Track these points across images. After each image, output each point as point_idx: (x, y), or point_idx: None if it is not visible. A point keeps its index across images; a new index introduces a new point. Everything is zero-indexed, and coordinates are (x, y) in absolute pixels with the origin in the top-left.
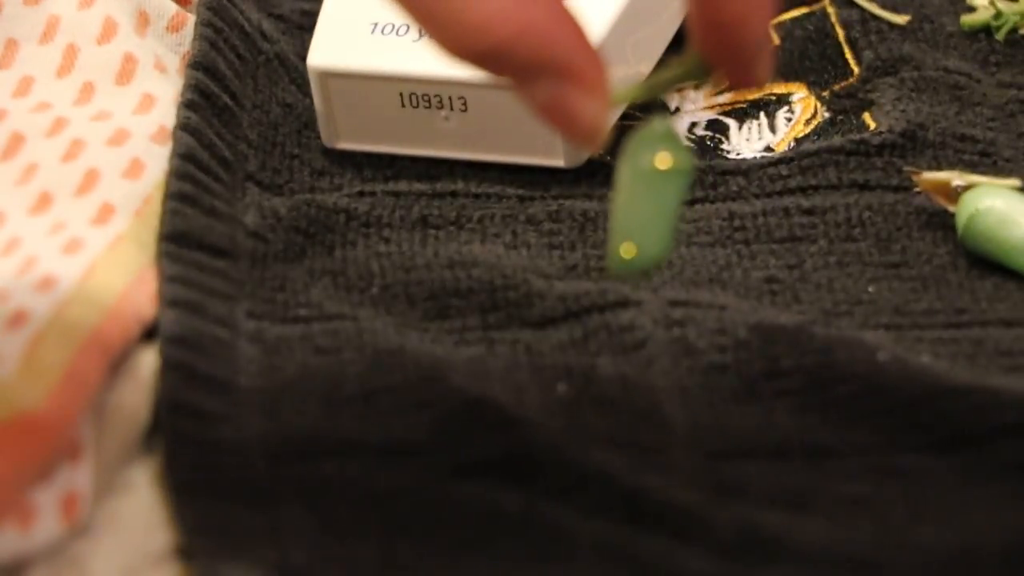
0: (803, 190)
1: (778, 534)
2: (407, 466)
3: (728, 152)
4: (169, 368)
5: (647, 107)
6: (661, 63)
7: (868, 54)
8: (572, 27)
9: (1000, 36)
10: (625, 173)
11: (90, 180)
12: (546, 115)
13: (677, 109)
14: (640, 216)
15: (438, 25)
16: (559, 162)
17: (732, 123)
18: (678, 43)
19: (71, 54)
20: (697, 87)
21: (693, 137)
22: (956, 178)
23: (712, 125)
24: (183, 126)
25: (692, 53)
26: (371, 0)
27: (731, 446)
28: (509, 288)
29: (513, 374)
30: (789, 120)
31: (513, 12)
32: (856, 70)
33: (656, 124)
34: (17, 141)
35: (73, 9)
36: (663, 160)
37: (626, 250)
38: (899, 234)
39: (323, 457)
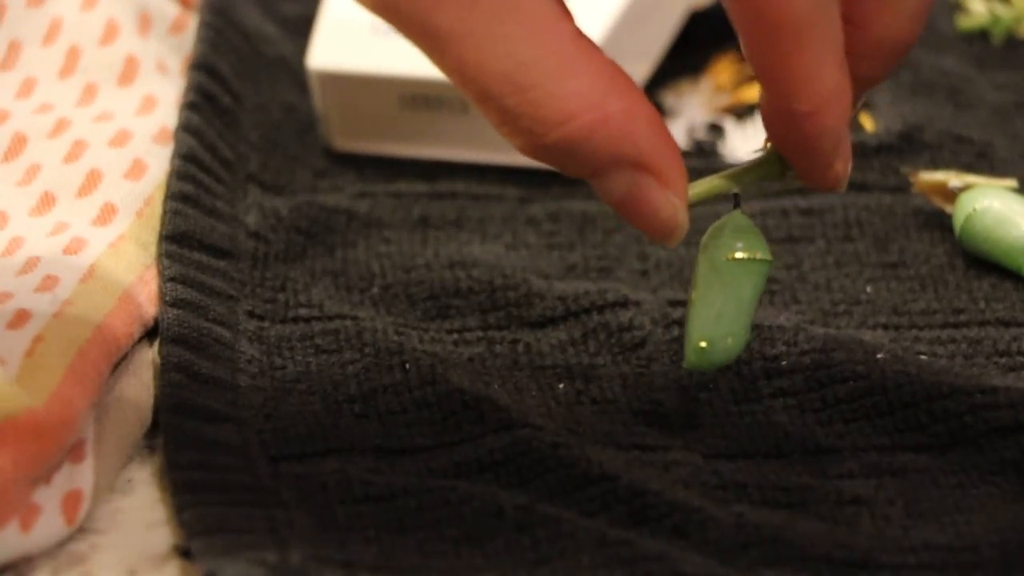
0: (801, 191)
1: (778, 534)
2: (407, 466)
3: (726, 153)
4: (170, 368)
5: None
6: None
7: None
8: (650, 120)
9: (996, 38)
10: (702, 265)
11: (92, 181)
12: (623, 209)
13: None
14: (718, 308)
15: (512, 117)
16: None
17: (730, 124)
18: (677, 44)
19: (73, 55)
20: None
21: (692, 138)
22: (953, 179)
23: (711, 126)
24: (185, 127)
25: (770, 150)
26: None
27: (731, 446)
28: (509, 288)
29: (513, 374)
30: None
31: (592, 103)
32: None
33: (734, 216)
34: (19, 142)
35: (76, 11)
36: (740, 252)
37: (703, 343)
38: (897, 234)
39: (323, 457)
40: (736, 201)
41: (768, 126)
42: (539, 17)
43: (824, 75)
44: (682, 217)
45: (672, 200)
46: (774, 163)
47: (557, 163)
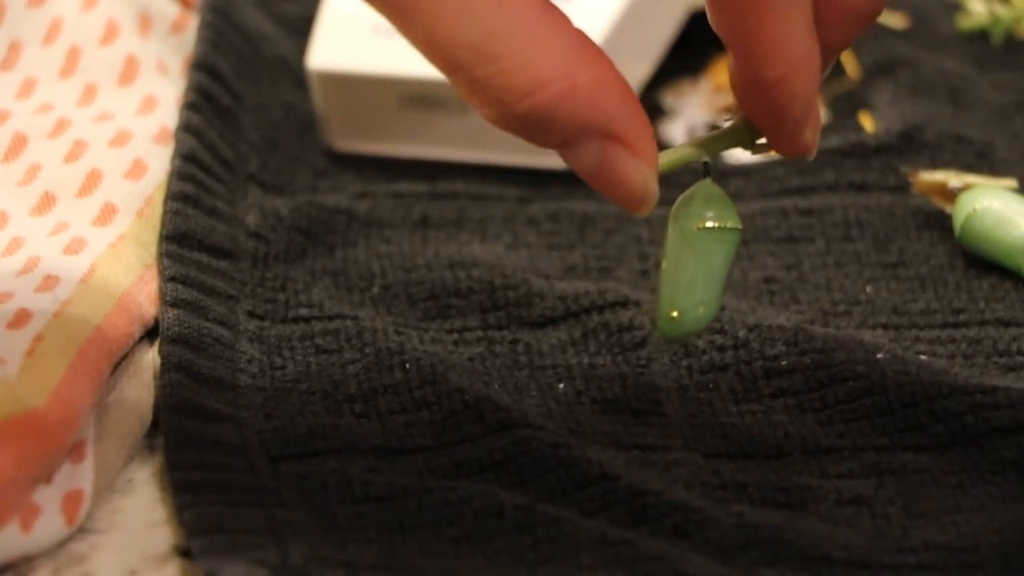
0: (801, 191)
1: (778, 534)
2: (407, 466)
3: (726, 153)
4: (170, 368)
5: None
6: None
7: (865, 56)
8: (619, 90)
9: (996, 38)
10: (673, 235)
11: (92, 181)
12: (593, 179)
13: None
14: (688, 278)
15: (481, 87)
16: (559, 163)
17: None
18: (677, 44)
19: (74, 56)
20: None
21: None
22: (953, 179)
23: (711, 127)
24: (185, 127)
25: (740, 118)
26: None
27: (731, 446)
28: (509, 288)
29: (513, 374)
30: None
31: (561, 73)
32: (853, 72)
33: (704, 185)
34: (20, 142)
35: (76, 11)
36: (711, 221)
37: (674, 312)
38: (896, 234)
39: (323, 457)
40: (706, 170)
41: (738, 94)
42: None
43: (793, 41)
44: (652, 186)
45: (642, 169)
46: (744, 131)
47: (527, 133)
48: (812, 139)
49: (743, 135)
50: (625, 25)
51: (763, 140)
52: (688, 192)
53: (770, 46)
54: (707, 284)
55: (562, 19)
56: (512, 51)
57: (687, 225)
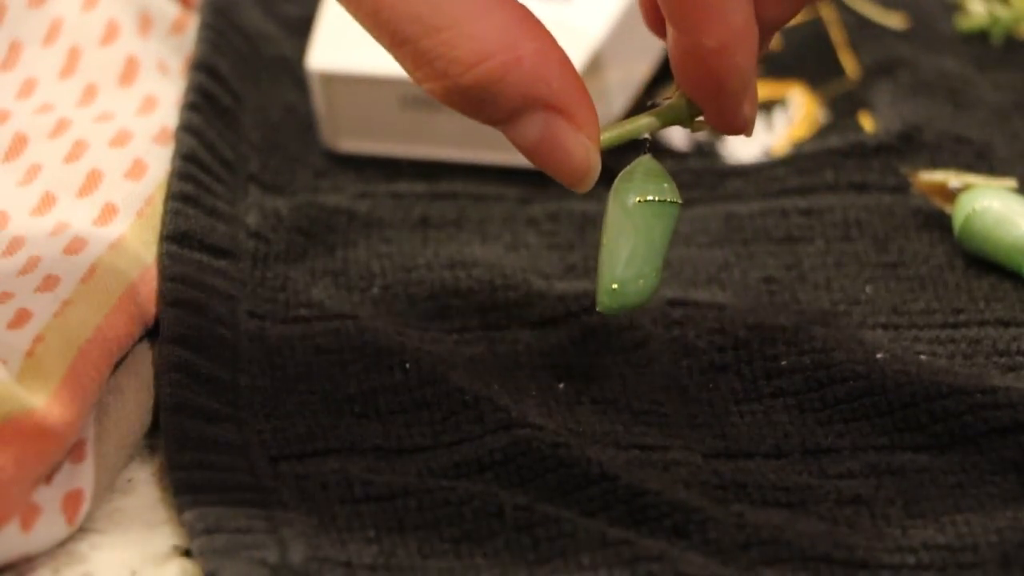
0: (801, 191)
1: (778, 534)
2: (407, 466)
3: (726, 154)
4: (170, 368)
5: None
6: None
7: (865, 56)
8: (561, 63)
9: (995, 39)
10: (613, 209)
11: (93, 181)
12: (536, 153)
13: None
14: (628, 251)
15: (426, 60)
16: None
17: None
18: None
19: (74, 56)
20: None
21: (692, 139)
22: (953, 179)
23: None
24: (185, 127)
25: (679, 95)
26: None
27: (731, 446)
28: (509, 288)
29: (513, 374)
30: (787, 122)
31: (505, 44)
32: (853, 72)
33: (644, 161)
34: (20, 142)
35: (76, 11)
36: (650, 195)
37: (614, 284)
38: (896, 234)
39: (323, 457)
40: (646, 146)
41: (677, 67)
42: None
43: (731, 9)
44: (595, 159)
45: (584, 142)
46: (683, 108)
47: (472, 108)
48: (750, 116)
49: (682, 112)
50: (625, 25)
51: (701, 117)
52: (628, 168)
53: (708, 13)
54: (647, 257)
55: None
56: (456, 22)
57: (627, 199)
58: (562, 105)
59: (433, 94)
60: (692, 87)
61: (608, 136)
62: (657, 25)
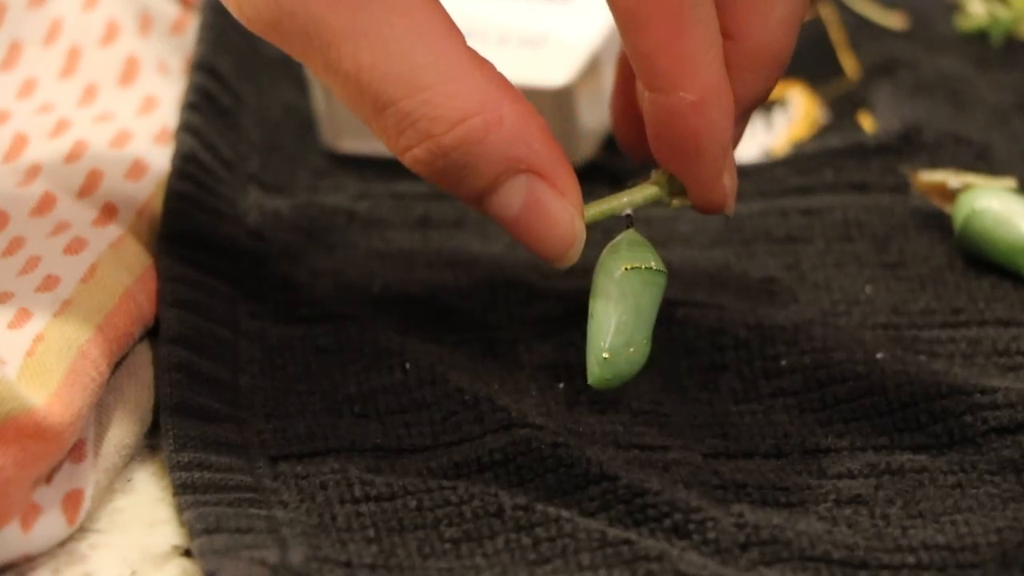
0: (801, 191)
1: (778, 534)
2: (407, 466)
3: None
4: (171, 368)
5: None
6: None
7: (865, 57)
8: (541, 127)
9: (995, 39)
10: (600, 279)
11: (92, 181)
12: (520, 221)
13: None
14: (617, 319)
15: (409, 121)
16: None
17: None
18: None
19: (74, 56)
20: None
21: None
22: (952, 179)
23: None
24: (185, 127)
25: (660, 172)
26: None
27: (731, 446)
28: (509, 288)
29: (513, 374)
30: (787, 122)
31: (486, 104)
32: (853, 72)
33: (629, 234)
34: (20, 142)
35: (76, 11)
36: (637, 263)
37: (605, 354)
38: (896, 234)
39: (323, 457)
40: (628, 222)
41: (656, 136)
42: (431, 23)
43: (708, 63)
44: (580, 228)
45: (569, 208)
46: (663, 185)
47: (456, 173)
48: (730, 187)
49: (662, 189)
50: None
51: (681, 196)
52: (613, 241)
53: (684, 68)
54: (636, 325)
55: (484, 60)
56: (439, 81)
57: (614, 269)
58: (545, 169)
59: (416, 163)
60: (672, 153)
61: (589, 212)
62: (633, 145)
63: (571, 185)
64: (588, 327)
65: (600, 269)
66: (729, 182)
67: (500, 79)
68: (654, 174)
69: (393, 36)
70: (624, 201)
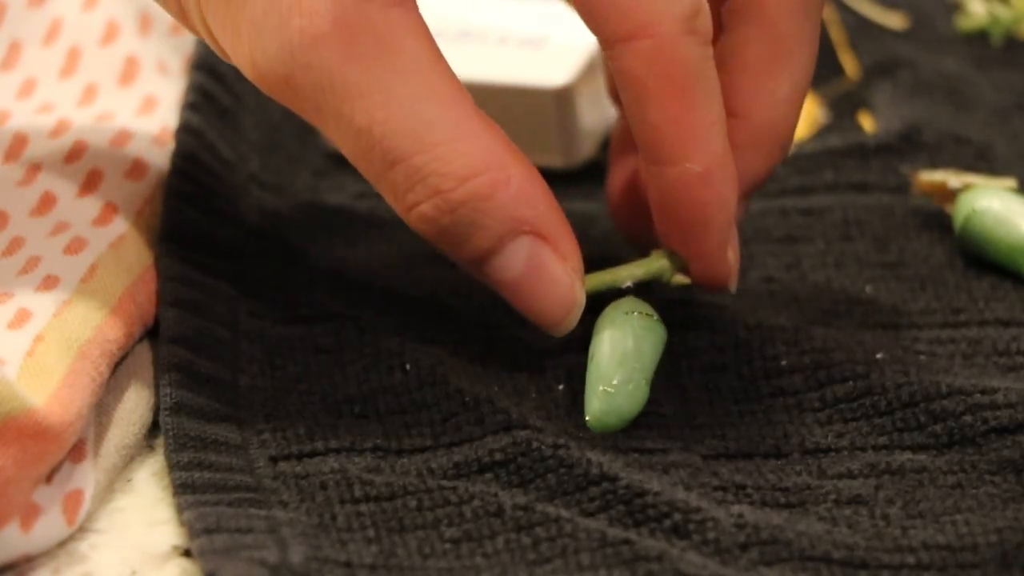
0: (801, 191)
1: (778, 534)
2: (407, 466)
3: None
4: (170, 368)
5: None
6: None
7: (865, 56)
8: (545, 191)
9: (995, 39)
10: (600, 329)
11: (92, 181)
12: (522, 284)
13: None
14: (619, 357)
15: (419, 176)
16: (558, 163)
17: None
18: None
19: (74, 56)
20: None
21: None
22: (953, 179)
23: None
24: (185, 127)
25: (662, 251)
26: None
27: (730, 446)
28: None
29: (513, 375)
30: None
31: (495, 163)
32: (853, 72)
33: (629, 296)
34: (20, 142)
35: (76, 11)
36: (639, 309)
37: (606, 388)
38: (896, 234)
39: (323, 457)
40: (629, 292)
41: (660, 210)
42: (441, 83)
43: (714, 136)
44: (579, 292)
45: (571, 273)
46: (665, 261)
47: (461, 233)
48: (734, 263)
49: (664, 266)
50: None
51: (682, 274)
52: (614, 302)
53: (690, 139)
54: (635, 365)
55: (490, 120)
56: (450, 139)
57: (616, 314)
58: (549, 231)
59: (422, 220)
60: (676, 227)
61: (589, 282)
62: (632, 230)
63: (573, 250)
64: (588, 370)
65: (603, 317)
66: (733, 257)
67: (508, 142)
68: (655, 251)
69: (406, 94)
70: (624, 274)
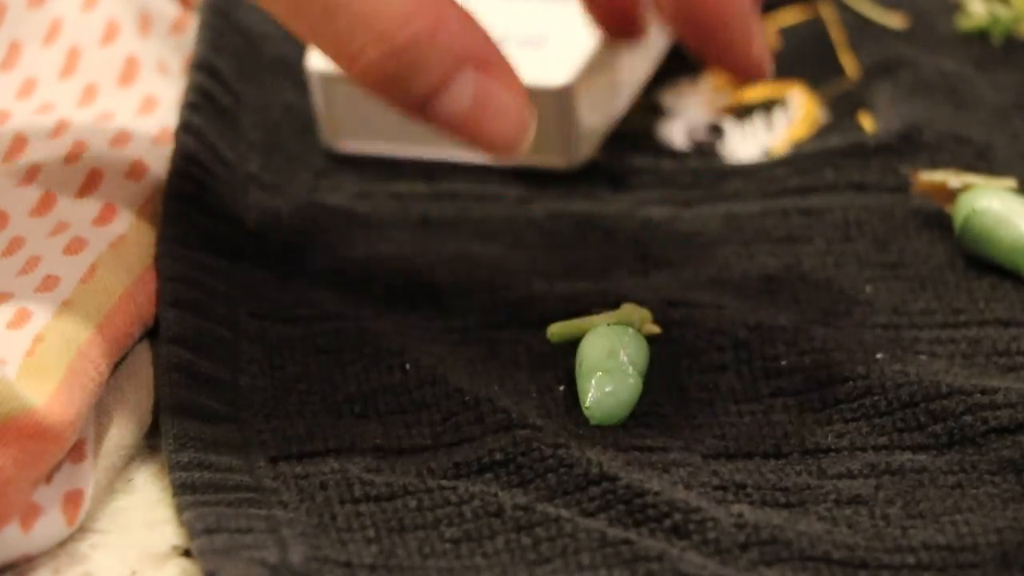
0: (801, 191)
1: (778, 534)
2: (407, 466)
3: (726, 153)
4: (170, 368)
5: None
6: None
7: (865, 56)
8: (483, 28)
9: (995, 39)
10: (586, 337)
11: (92, 181)
12: (471, 118)
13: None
14: (608, 349)
15: (362, 22)
16: (559, 163)
17: (730, 125)
18: (677, 44)
19: (74, 56)
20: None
21: (692, 139)
22: (953, 179)
23: (710, 127)
24: (185, 127)
25: (632, 306)
26: None
27: (730, 446)
28: (509, 288)
29: (513, 374)
30: (787, 122)
31: (427, 6)
32: (853, 72)
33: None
34: (20, 142)
35: (76, 11)
36: (623, 322)
37: (601, 373)
38: (896, 234)
39: (323, 457)
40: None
41: (677, 12)
42: None
43: None
44: (528, 116)
45: (518, 99)
46: (635, 315)
47: (406, 75)
48: (762, 56)
49: (634, 316)
50: None
51: (651, 323)
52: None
53: None
54: (625, 358)
55: None
56: None
57: (597, 329)
58: (491, 61)
59: (368, 68)
60: (697, 26)
61: (558, 331)
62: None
63: (516, 77)
64: (578, 373)
65: (588, 334)
66: (758, 50)
67: None
68: (624, 306)
69: None
70: (596, 323)
